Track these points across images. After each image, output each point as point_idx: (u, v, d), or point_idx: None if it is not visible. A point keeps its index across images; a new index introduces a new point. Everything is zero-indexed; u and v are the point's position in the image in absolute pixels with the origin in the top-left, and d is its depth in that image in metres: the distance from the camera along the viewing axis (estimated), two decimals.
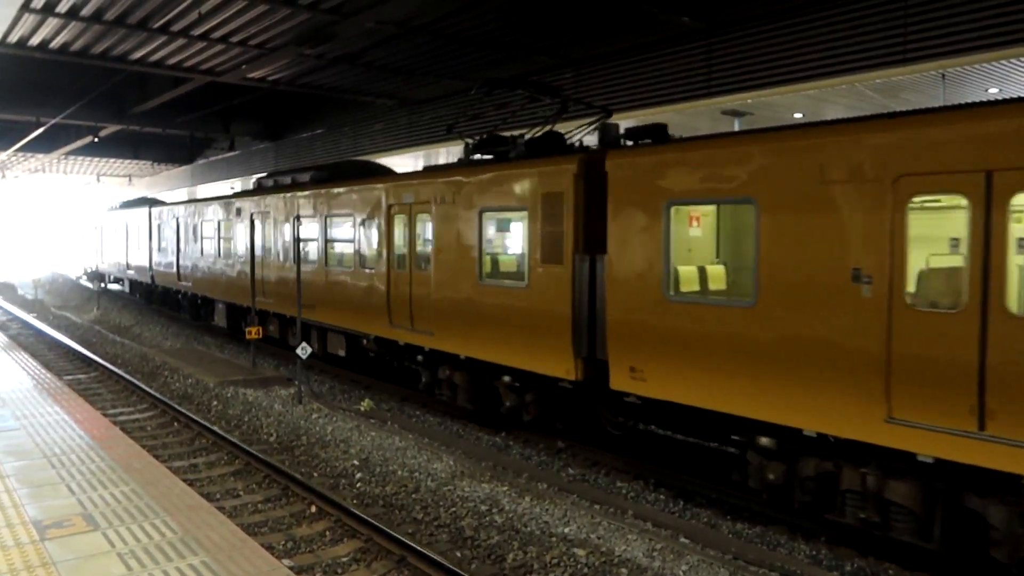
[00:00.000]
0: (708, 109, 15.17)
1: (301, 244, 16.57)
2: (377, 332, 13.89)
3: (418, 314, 12.68)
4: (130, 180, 45.68)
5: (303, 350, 14.19)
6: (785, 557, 7.81)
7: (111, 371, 16.46)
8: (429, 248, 12.50)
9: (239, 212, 19.62)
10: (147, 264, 27.34)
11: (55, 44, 16.05)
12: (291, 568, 6.82)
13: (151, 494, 6.89)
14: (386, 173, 16.03)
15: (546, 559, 7.46)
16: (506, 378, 11.34)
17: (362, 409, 13.83)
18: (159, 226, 26.00)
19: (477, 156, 12.21)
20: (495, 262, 11.80)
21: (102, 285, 36.30)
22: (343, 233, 15.66)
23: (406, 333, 13.04)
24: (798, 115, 17.01)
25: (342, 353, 15.71)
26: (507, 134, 12.20)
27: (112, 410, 13.54)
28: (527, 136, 11.47)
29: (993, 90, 14.58)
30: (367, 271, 14.21)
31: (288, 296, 16.56)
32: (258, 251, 18.53)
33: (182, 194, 40.77)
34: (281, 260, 17.58)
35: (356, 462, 10.48)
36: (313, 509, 8.82)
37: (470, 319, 11.49)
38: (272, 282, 17.87)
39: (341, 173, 16.57)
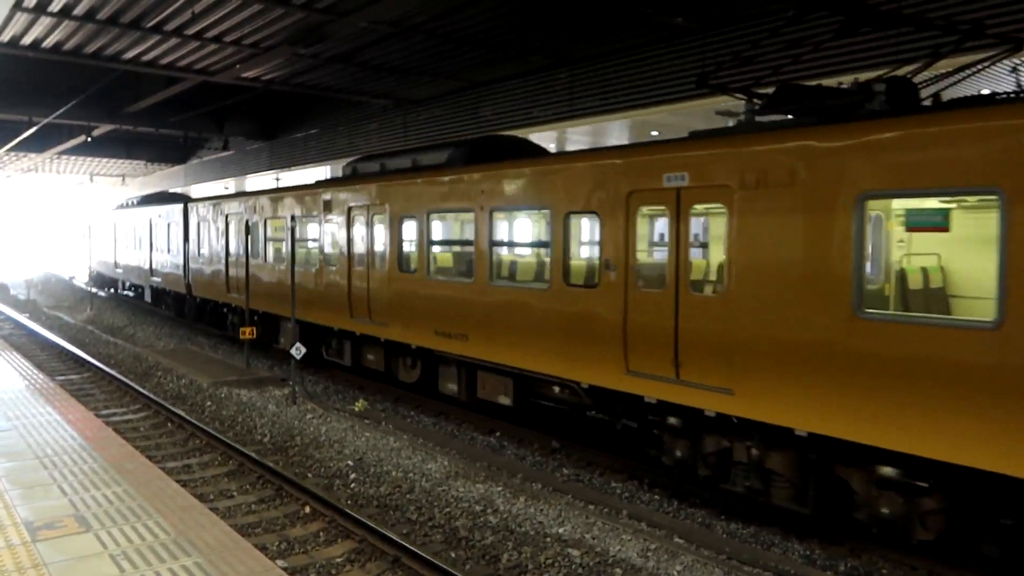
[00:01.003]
0: (702, 109, 15.18)
1: (438, 246, 13.21)
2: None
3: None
4: (123, 180, 45.51)
5: (296, 350, 14.15)
6: (779, 557, 7.82)
7: (104, 372, 16.40)
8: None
9: (329, 206, 15.21)
10: (181, 271, 23.13)
11: (48, 43, 15.98)
12: (285, 569, 6.80)
13: (144, 495, 6.86)
14: (541, 151, 12.99)
15: (540, 559, 7.46)
16: None
17: (356, 409, 13.80)
18: (199, 225, 22.03)
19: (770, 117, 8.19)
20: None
21: (111, 291, 33.53)
22: (533, 233, 13.22)
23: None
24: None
25: (506, 402, 11.41)
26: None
27: (105, 411, 13.49)
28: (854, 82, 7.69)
29: (986, 91, 14.58)
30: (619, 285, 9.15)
31: (441, 320, 11.93)
32: (363, 256, 14.08)
33: (216, 187, 36.23)
34: (409, 268, 12.99)
35: (350, 462, 10.46)
36: (307, 510, 8.80)
37: None
38: (401, 300, 13.02)
39: (495, 152, 12.32)
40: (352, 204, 14.36)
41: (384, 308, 13.38)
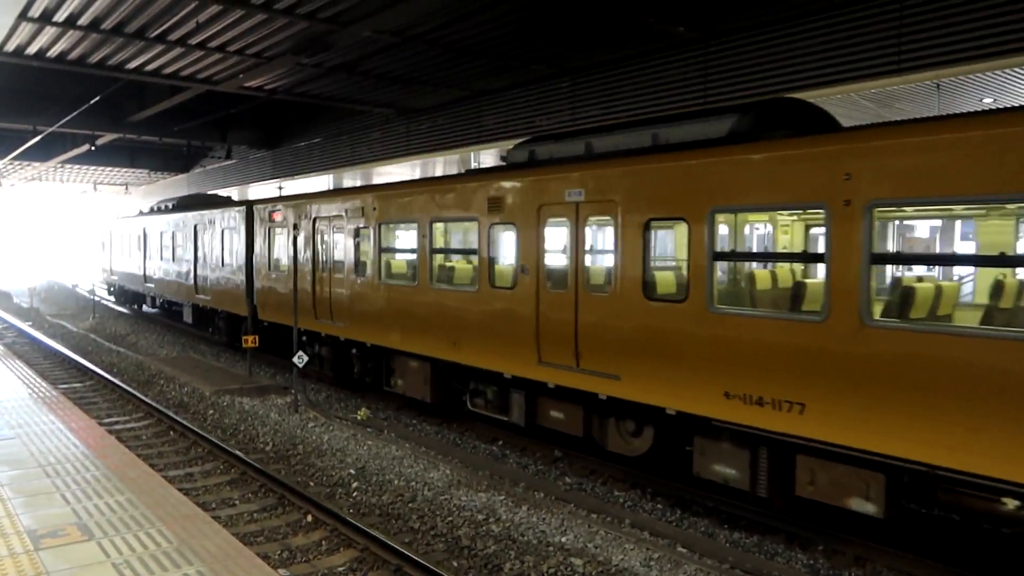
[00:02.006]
0: None
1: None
2: None
3: None
4: (127, 189, 45.66)
5: (299, 359, 14.16)
6: (783, 567, 7.80)
7: (107, 380, 16.42)
8: None
9: (499, 204, 11.01)
10: (242, 288, 19.24)
11: (52, 53, 16.06)
12: None
13: (146, 503, 6.85)
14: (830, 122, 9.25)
15: (543, 568, 7.44)
16: None
17: (359, 418, 13.80)
18: (269, 231, 18.11)
19: None
20: None
21: (137, 307, 30.92)
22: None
23: None
24: None
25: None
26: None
27: (107, 419, 13.50)
28: None
29: (988, 100, 14.64)
30: None
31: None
32: (587, 277, 9.95)
33: (267, 189, 30.78)
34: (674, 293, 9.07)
35: (352, 471, 10.45)
36: (309, 518, 8.79)
37: None
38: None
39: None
40: (546, 202, 10.19)
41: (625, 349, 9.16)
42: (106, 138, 25.65)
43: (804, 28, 12.37)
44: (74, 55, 16.25)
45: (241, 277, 19.39)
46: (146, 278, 27.79)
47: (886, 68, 11.42)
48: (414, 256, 13.03)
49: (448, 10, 12.73)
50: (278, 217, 17.63)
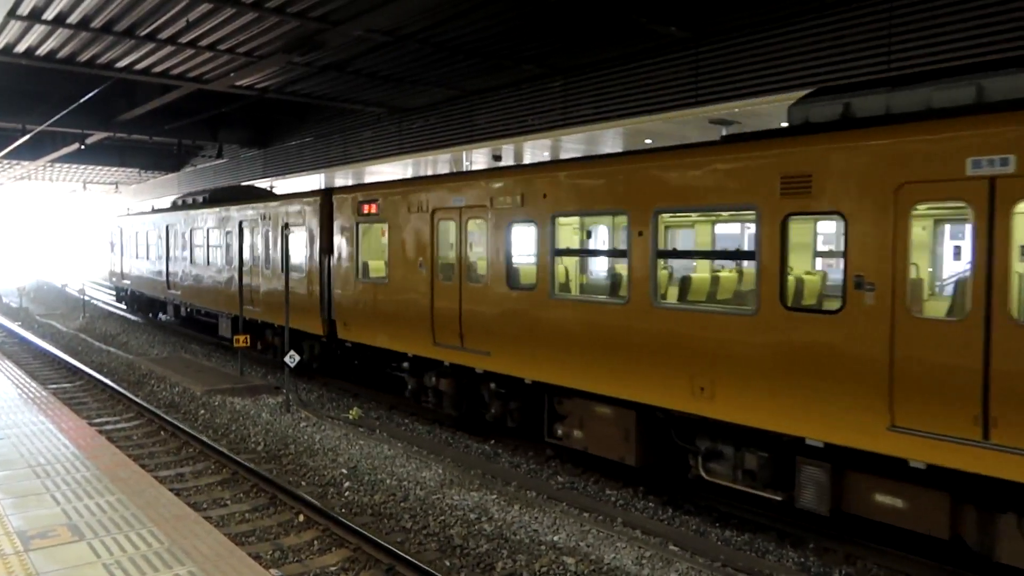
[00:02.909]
0: (696, 118, 15.26)
1: None
2: None
3: None
4: (117, 188, 45.44)
5: (291, 358, 14.13)
6: (774, 564, 7.83)
7: (97, 380, 16.34)
8: None
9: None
10: (316, 299, 15.46)
11: (41, 51, 15.96)
12: None
13: (137, 504, 6.83)
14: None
15: (535, 567, 7.45)
16: None
17: (351, 417, 13.78)
18: (356, 228, 14.40)
19: None
20: None
21: (157, 317, 27.25)
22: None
23: None
24: (785, 124, 17.11)
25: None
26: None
27: (98, 419, 13.44)
28: None
29: None
30: None
31: None
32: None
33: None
34: None
35: (344, 471, 10.44)
36: (301, 518, 8.78)
37: None
38: None
39: None
40: (915, 178, 6.74)
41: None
42: (96, 137, 25.50)
43: (795, 28, 12.42)
44: (63, 53, 16.16)
45: (311, 286, 15.55)
46: (169, 284, 23.75)
47: (876, 69, 11.48)
48: (621, 261, 10.00)
49: (439, 9, 12.72)
50: (373, 209, 13.69)
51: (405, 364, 13.21)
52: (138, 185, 44.93)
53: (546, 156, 22.15)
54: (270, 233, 17.57)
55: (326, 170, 25.33)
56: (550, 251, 10.13)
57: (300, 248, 16.47)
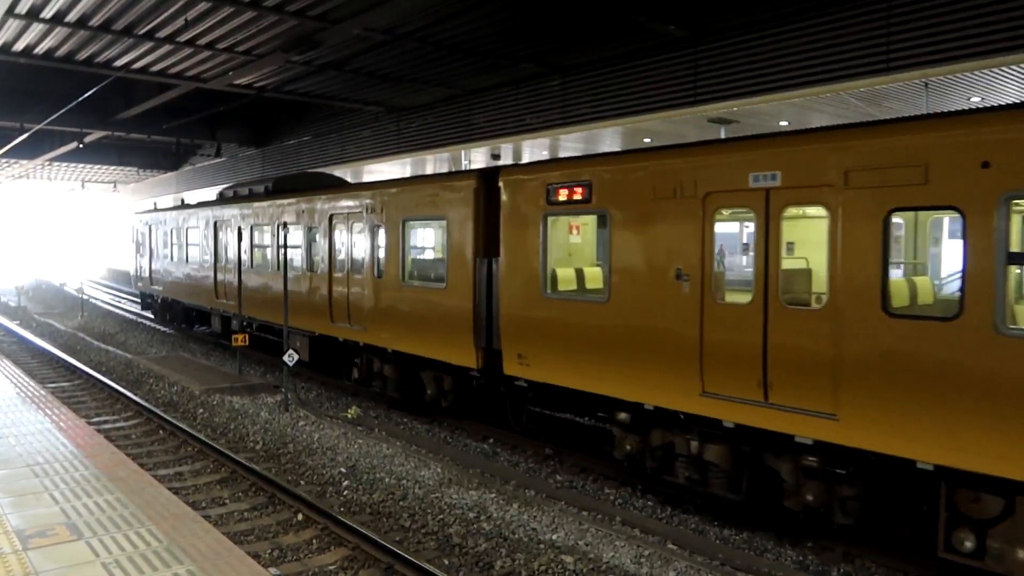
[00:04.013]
0: (694, 117, 15.27)
1: None
2: None
3: None
4: (115, 186, 45.42)
5: (289, 357, 14.12)
6: (772, 563, 7.84)
7: (95, 379, 16.33)
8: None
9: None
10: (463, 322, 11.48)
11: (39, 50, 15.95)
12: None
13: (136, 503, 6.83)
14: None
15: (534, 566, 7.45)
16: None
17: (349, 416, 13.78)
18: (544, 223, 10.28)
19: None
20: None
21: (201, 328, 22.73)
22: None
23: None
24: (783, 123, 17.15)
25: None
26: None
27: (96, 418, 13.43)
28: None
29: (976, 99, 14.75)
30: None
31: None
32: None
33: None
34: None
35: (343, 470, 10.44)
36: (300, 517, 8.78)
37: None
38: None
39: None
40: None
41: None
42: (94, 136, 25.49)
43: (794, 27, 12.43)
44: (61, 52, 16.15)
45: (454, 300, 11.67)
46: (218, 292, 19.69)
47: (875, 67, 11.49)
48: None
49: (438, 8, 12.72)
50: (578, 194, 9.70)
51: (622, 416, 9.43)
52: (136, 184, 44.93)
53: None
54: (380, 230, 13.32)
55: (323, 168, 25.34)
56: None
57: (431, 249, 13.90)
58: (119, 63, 16.71)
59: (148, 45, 15.31)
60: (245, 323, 18.35)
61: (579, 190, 9.73)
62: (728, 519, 8.97)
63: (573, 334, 9.77)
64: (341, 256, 14.65)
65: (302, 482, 10.14)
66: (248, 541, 8.14)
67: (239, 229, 18.57)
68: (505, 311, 10.74)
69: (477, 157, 22.87)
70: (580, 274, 10.96)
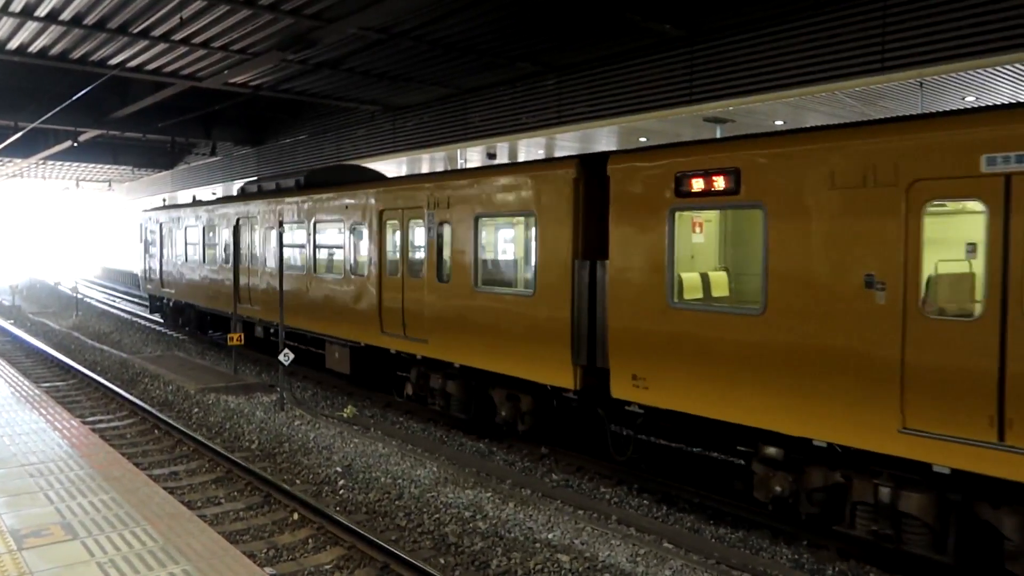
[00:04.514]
0: (690, 116, 15.29)
1: None
2: None
3: None
4: (110, 185, 45.32)
5: (285, 356, 14.10)
6: (767, 561, 7.85)
7: (90, 378, 16.29)
8: None
9: None
10: (559, 329, 9.77)
11: (34, 48, 15.91)
12: None
13: (131, 502, 6.82)
14: None
15: (530, 565, 7.46)
16: None
17: (345, 416, 13.76)
18: (671, 221, 8.57)
19: None
20: None
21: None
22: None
23: None
24: (779, 122, 17.17)
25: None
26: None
27: (91, 418, 13.40)
28: None
29: (970, 98, 14.78)
30: None
31: None
32: None
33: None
34: None
35: (339, 469, 10.43)
36: (295, 516, 8.77)
37: None
38: None
39: None
40: None
41: None
42: (89, 134, 25.44)
43: (789, 27, 12.45)
44: (56, 50, 16.11)
45: (542, 308, 10.02)
46: (241, 295, 17.99)
47: (870, 67, 11.52)
48: None
49: (434, 7, 12.72)
50: (720, 183, 8.09)
51: (771, 451, 8.02)
52: (131, 183, 44.83)
53: None
54: (446, 228, 11.62)
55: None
56: None
57: (513, 250, 12.41)
58: (114, 61, 16.68)
59: (143, 43, 15.28)
60: (272, 330, 17.06)
61: (721, 179, 8.07)
62: (723, 518, 8.99)
63: (712, 352, 8.06)
64: (394, 258, 12.96)
65: (298, 481, 10.13)
66: (244, 541, 8.13)
67: (265, 228, 17.07)
68: (616, 324, 9.01)
69: (473, 156, 22.87)
70: (705, 280, 9.50)
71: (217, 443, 11.74)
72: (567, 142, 20.33)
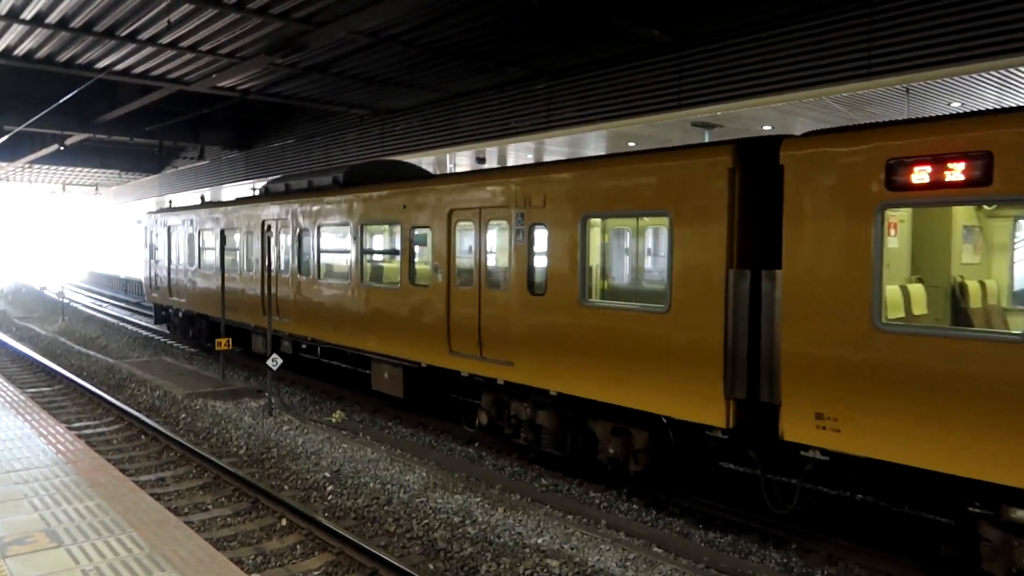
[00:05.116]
0: (679, 121, 15.34)
1: None
2: None
3: None
4: (97, 189, 45.05)
5: (273, 361, 14.04)
6: (756, 565, 7.87)
7: (76, 384, 16.16)
8: None
9: None
10: (705, 351, 7.98)
11: (20, 51, 15.80)
12: None
13: (117, 509, 6.76)
14: None
15: (519, 570, 7.44)
16: None
17: (334, 421, 13.71)
18: (841, 217, 7.01)
19: None
20: None
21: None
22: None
23: None
24: (767, 127, 17.26)
25: None
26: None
27: (77, 423, 13.29)
28: None
29: (956, 104, 14.92)
30: None
31: None
32: None
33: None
34: None
35: (327, 474, 10.38)
36: (283, 522, 8.72)
37: None
38: None
39: None
40: None
41: None
42: (75, 138, 25.27)
43: (777, 32, 12.52)
44: (42, 54, 16.00)
45: (678, 328, 8.28)
46: (269, 306, 15.48)
47: (857, 72, 11.60)
48: None
49: (423, 12, 12.71)
50: (947, 173, 6.40)
51: (1021, 514, 6.34)
52: (119, 187, 44.57)
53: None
54: (541, 231, 9.89)
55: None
56: None
57: (634, 256, 10.74)
58: (101, 65, 16.58)
59: (131, 47, 15.20)
60: (304, 345, 15.80)
61: (962, 166, 6.25)
62: (712, 522, 8.99)
63: (946, 391, 6.32)
64: (467, 265, 11.27)
65: (286, 487, 10.07)
66: (231, 547, 8.08)
67: (298, 231, 15.25)
68: (793, 349, 7.29)
69: (462, 160, 22.87)
70: (905, 293, 7.66)
71: (204, 448, 11.67)
72: (556, 147, 20.37)
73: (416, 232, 12.28)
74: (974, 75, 12.08)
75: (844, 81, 11.81)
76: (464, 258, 11.41)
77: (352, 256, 13.66)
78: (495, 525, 8.57)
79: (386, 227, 13.44)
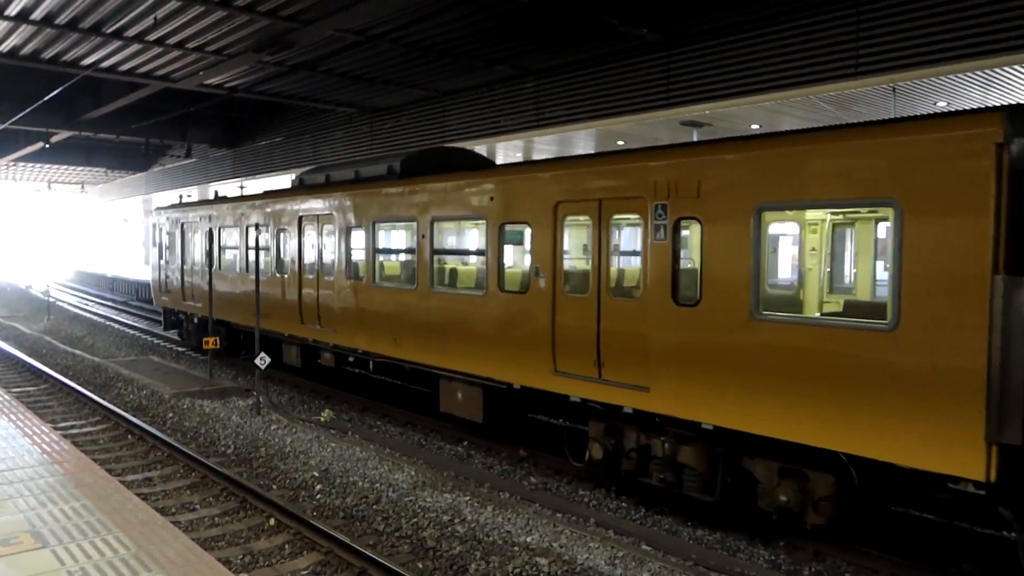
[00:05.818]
0: (667, 119, 15.38)
1: None
2: None
3: None
4: (83, 187, 44.74)
5: (261, 360, 13.98)
6: (745, 563, 7.90)
7: (62, 383, 16.04)
8: None
9: None
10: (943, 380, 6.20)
11: (4, 48, 15.67)
12: None
13: (103, 509, 6.71)
14: None
15: (508, 569, 7.44)
16: None
17: (322, 420, 13.67)
18: None
19: None
20: None
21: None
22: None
23: None
24: (755, 126, 17.33)
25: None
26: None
27: (63, 423, 13.19)
28: None
29: (942, 103, 15.02)
30: None
31: None
32: None
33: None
34: None
35: (316, 473, 10.36)
36: (272, 522, 8.68)
37: None
38: None
39: None
40: None
41: None
42: (61, 136, 25.10)
43: (765, 32, 12.58)
44: (27, 50, 15.88)
45: (921, 352, 6.36)
46: (306, 314, 14.48)
47: (844, 72, 11.66)
48: None
49: (411, 10, 12.69)
50: None
51: None
52: (105, 185, 44.29)
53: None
54: (695, 228, 8.18)
55: (296, 171, 25.18)
56: None
57: (833, 258, 9.21)
58: (86, 62, 16.47)
59: (116, 44, 15.10)
60: (352, 359, 13.98)
61: None
62: (701, 520, 9.03)
63: None
64: (580, 268, 9.86)
65: (274, 486, 10.04)
66: (219, 547, 8.04)
67: (346, 228, 13.35)
68: None
69: None
70: None
71: (192, 448, 11.61)
72: (545, 145, 20.38)
73: (508, 229, 10.38)
74: (959, 75, 12.18)
75: (831, 80, 11.88)
76: (576, 260, 10.10)
77: (418, 257, 11.67)
78: (484, 523, 8.57)
79: (466, 223, 12.07)
